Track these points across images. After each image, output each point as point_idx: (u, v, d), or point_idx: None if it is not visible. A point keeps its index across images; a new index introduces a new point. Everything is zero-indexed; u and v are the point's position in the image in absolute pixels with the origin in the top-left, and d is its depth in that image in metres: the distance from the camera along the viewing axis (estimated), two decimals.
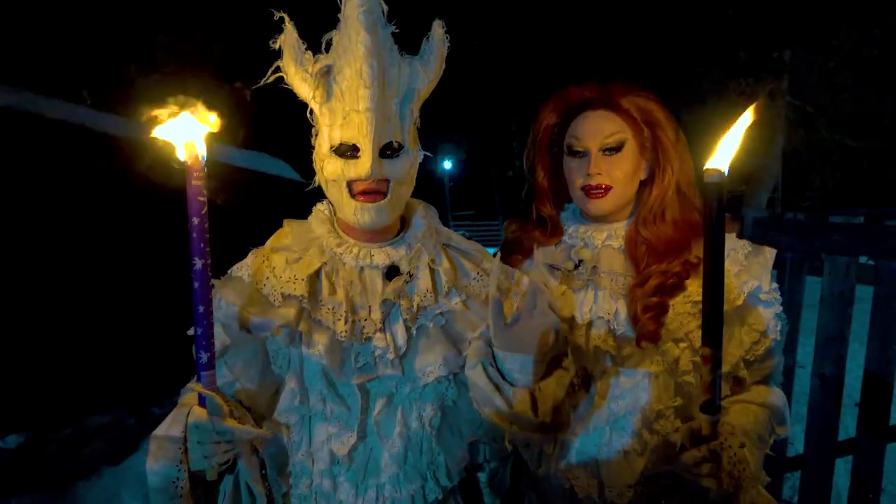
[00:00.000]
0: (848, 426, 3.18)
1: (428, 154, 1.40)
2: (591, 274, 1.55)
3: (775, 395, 1.50)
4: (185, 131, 1.06)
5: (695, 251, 1.48)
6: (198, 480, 1.13)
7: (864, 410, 2.76)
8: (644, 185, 1.56)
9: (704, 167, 1.07)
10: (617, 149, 1.49)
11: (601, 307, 1.51)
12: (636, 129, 1.50)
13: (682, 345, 1.45)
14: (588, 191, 1.50)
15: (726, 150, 1.07)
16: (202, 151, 1.06)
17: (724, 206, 1.08)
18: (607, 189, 1.49)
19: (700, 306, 1.44)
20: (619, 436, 1.50)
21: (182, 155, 1.06)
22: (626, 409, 1.49)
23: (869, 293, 2.75)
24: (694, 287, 1.46)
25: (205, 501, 1.18)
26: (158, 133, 1.06)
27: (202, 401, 1.10)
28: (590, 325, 1.52)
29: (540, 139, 1.62)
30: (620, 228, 1.57)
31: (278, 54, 1.28)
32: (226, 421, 1.11)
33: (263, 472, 1.29)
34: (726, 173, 1.06)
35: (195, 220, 1.06)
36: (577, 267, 1.57)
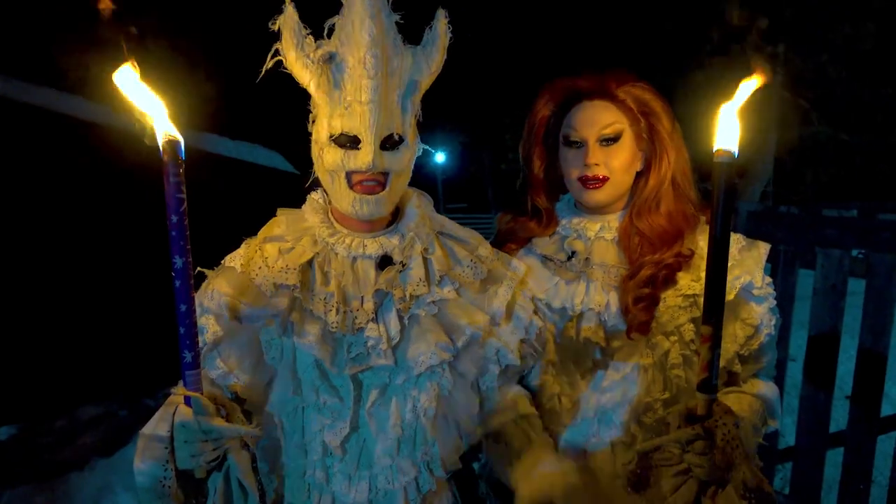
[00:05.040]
0: (839, 418, 3.20)
1: (427, 148, 1.37)
2: (583, 265, 1.54)
3: (769, 388, 1.51)
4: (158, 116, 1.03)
5: (687, 243, 1.49)
6: (186, 478, 1.12)
7: (855, 403, 2.78)
8: (640, 175, 1.55)
9: (714, 148, 1.07)
10: (614, 139, 1.48)
11: (592, 299, 1.51)
12: (633, 119, 1.49)
13: (673, 338, 1.46)
14: (585, 181, 1.49)
15: (731, 129, 1.07)
16: (180, 146, 1.03)
17: (733, 188, 1.08)
18: (604, 180, 1.48)
19: (691, 300, 1.46)
20: (607, 428, 1.50)
21: (158, 141, 1.02)
22: (614, 402, 1.49)
23: (861, 286, 2.76)
24: (686, 280, 1.47)
25: (196, 498, 1.17)
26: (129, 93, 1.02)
27: (188, 400, 1.09)
28: (580, 316, 1.52)
29: (536, 130, 1.61)
30: (614, 220, 1.56)
31: (275, 39, 1.24)
32: (212, 420, 1.09)
33: (254, 465, 1.27)
34: (735, 154, 1.07)
35: (174, 219, 1.03)
36: (570, 258, 1.57)
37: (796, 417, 3.03)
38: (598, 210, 1.57)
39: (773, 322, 1.49)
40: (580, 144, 1.50)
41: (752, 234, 1.55)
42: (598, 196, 1.50)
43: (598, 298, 1.51)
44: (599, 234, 1.56)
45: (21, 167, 4.40)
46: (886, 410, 2.87)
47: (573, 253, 1.57)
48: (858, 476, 2.77)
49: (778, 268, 3.08)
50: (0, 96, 4.34)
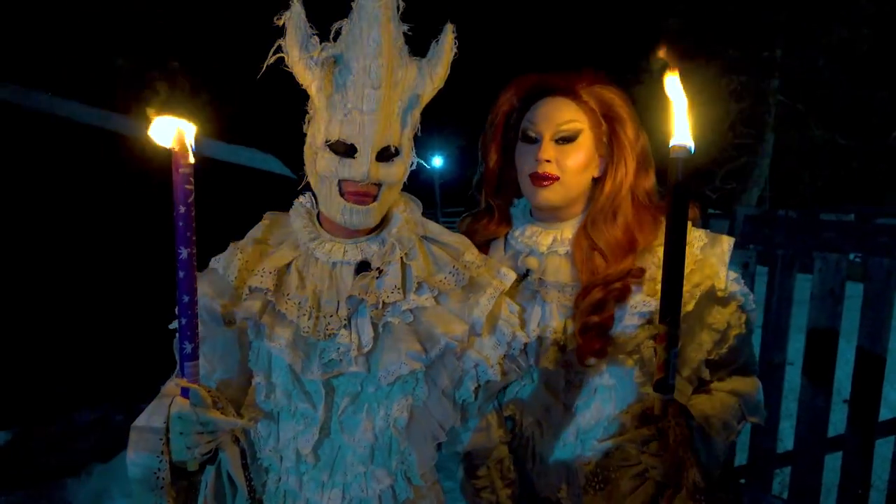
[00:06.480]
0: (837, 422, 3.19)
1: (422, 163, 1.36)
2: (538, 285, 1.49)
3: (747, 384, 1.47)
4: (171, 122, 1.04)
5: (639, 261, 1.43)
6: (179, 471, 1.12)
7: (853, 407, 2.78)
8: (597, 183, 1.50)
9: (670, 145, 1.04)
10: (570, 139, 1.43)
11: (549, 325, 1.46)
12: (594, 121, 1.44)
13: (635, 356, 1.41)
14: (535, 178, 1.44)
15: (682, 124, 1.05)
16: (190, 138, 1.04)
17: (687, 186, 1.05)
18: (555, 178, 1.43)
19: (648, 317, 1.39)
20: (591, 449, 1.46)
21: (169, 142, 1.03)
22: (592, 422, 1.45)
23: (858, 290, 2.76)
24: (640, 297, 1.40)
25: (187, 492, 1.16)
26: (153, 126, 1.04)
27: (185, 391, 1.08)
28: (540, 341, 1.47)
29: (496, 123, 1.55)
30: (568, 230, 1.50)
31: (274, 42, 1.21)
32: (209, 412, 1.09)
33: (244, 461, 1.27)
34: (692, 150, 1.04)
35: (181, 209, 1.04)
36: (524, 277, 1.51)
37: (794, 422, 3.02)
38: (549, 214, 1.52)
39: (743, 320, 1.44)
40: (535, 139, 1.45)
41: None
42: (547, 195, 1.44)
43: (555, 324, 1.46)
44: (552, 249, 1.50)
45: (16, 172, 4.39)
46: (885, 414, 2.87)
47: (527, 271, 1.51)
48: (857, 480, 2.76)
49: (776, 272, 3.08)
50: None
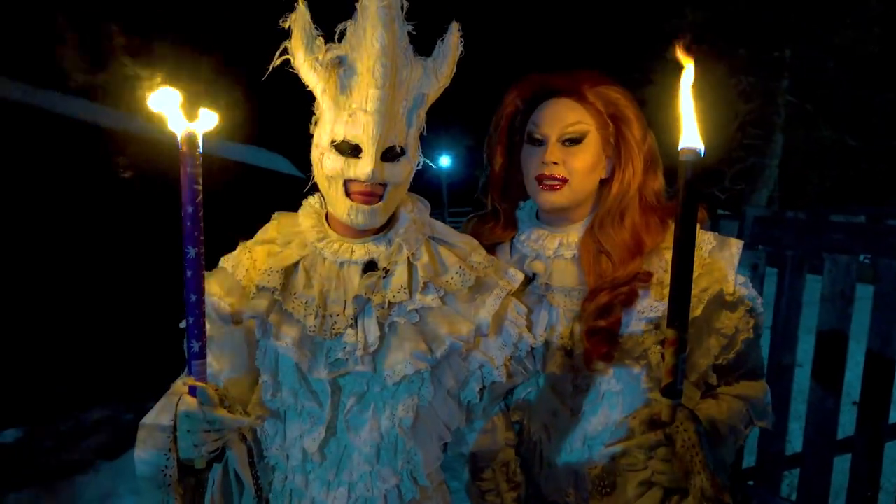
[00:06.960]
0: (846, 424, 3.18)
1: (428, 163, 1.36)
2: (544, 290, 1.48)
3: (755, 388, 1.46)
4: (179, 114, 1.05)
5: (646, 264, 1.41)
6: (187, 469, 1.13)
7: (862, 409, 2.76)
8: (604, 184, 1.48)
9: (679, 148, 1.03)
10: (577, 140, 1.41)
11: (556, 329, 1.46)
12: (601, 122, 1.43)
13: (643, 361, 1.41)
14: (542, 180, 1.43)
15: (691, 126, 1.03)
16: (199, 138, 1.05)
17: (697, 191, 1.03)
18: (563, 181, 1.41)
19: (655, 322, 1.38)
20: (598, 453, 1.46)
21: (177, 135, 1.04)
22: (599, 427, 1.44)
23: (868, 292, 2.74)
24: (648, 302, 1.39)
25: (195, 489, 1.17)
26: (154, 104, 1.04)
27: (193, 390, 1.09)
28: (546, 346, 1.46)
29: (501, 126, 1.54)
30: (574, 234, 1.49)
31: (282, 41, 1.23)
32: (216, 410, 1.10)
33: (251, 459, 1.28)
34: (702, 153, 1.01)
35: (189, 209, 1.05)
36: (531, 281, 1.50)
37: (804, 423, 3.00)
38: (557, 217, 1.51)
39: (751, 325, 1.42)
40: (541, 141, 1.44)
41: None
42: (555, 198, 1.43)
43: (561, 329, 1.45)
44: (558, 253, 1.49)
45: (27, 170, 4.42)
46: (894, 417, 2.85)
47: (534, 276, 1.50)
48: (866, 482, 2.75)
49: (785, 273, 3.06)
50: (3, 98, 4.36)
